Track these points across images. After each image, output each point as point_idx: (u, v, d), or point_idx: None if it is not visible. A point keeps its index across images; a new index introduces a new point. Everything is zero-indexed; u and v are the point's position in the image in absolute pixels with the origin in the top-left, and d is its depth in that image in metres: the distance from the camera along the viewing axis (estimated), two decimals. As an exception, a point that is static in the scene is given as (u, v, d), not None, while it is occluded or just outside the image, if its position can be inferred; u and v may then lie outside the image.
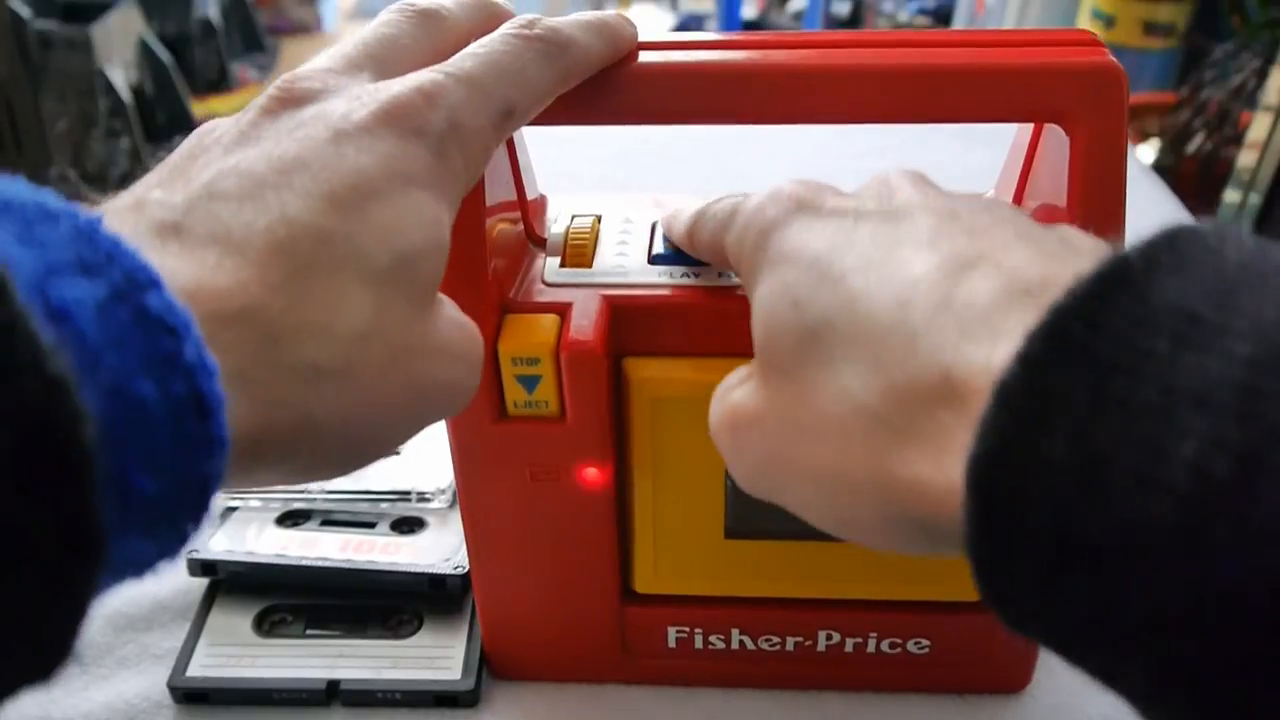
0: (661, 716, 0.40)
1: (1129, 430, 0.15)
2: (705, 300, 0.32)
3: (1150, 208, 0.75)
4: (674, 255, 0.34)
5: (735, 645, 0.39)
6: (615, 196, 0.38)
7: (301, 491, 0.46)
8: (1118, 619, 0.16)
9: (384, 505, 0.46)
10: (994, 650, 0.39)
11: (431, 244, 0.22)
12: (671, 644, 0.39)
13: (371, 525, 0.45)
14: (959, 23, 2.08)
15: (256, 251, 0.19)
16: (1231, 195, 1.35)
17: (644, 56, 0.30)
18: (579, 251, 0.34)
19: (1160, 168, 1.55)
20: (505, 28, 0.26)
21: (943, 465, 0.19)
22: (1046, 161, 0.32)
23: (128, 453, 0.15)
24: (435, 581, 0.42)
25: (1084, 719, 0.39)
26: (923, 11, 2.27)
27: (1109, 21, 1.67)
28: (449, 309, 0.24)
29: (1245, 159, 1.32)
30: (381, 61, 0.25)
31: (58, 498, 0.14)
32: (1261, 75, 1.41)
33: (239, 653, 0.41)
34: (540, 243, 0.35)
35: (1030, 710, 0.40)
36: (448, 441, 0.34)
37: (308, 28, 2.69)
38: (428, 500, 0.46)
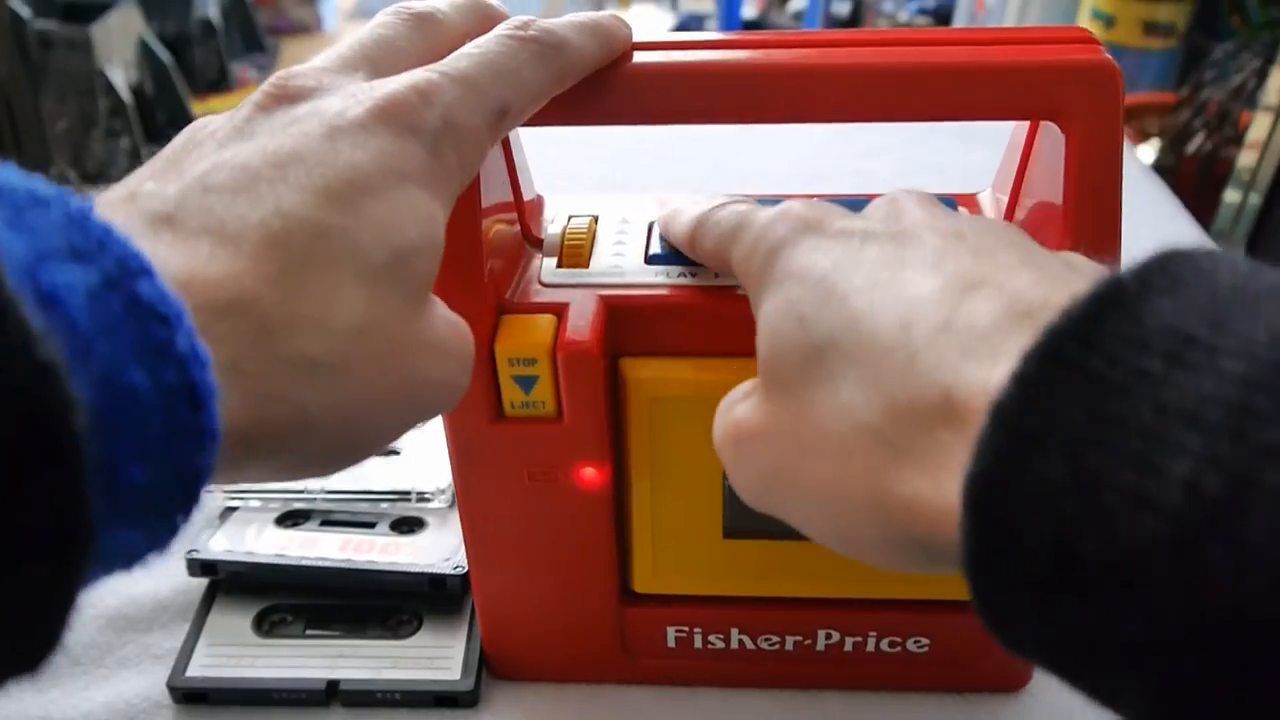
0: (661, 716, 0.40)
1: (1123, 449, 0.15)
2: (702, 300, 0.32)
3: (1150, 208, 0.75)
4: (671, 255, 0.34)
5: (734, 645, 0.39)
6: (612, 197, 0.38)
7: (301, 491, 0.46)
8: (1114, 638, 0.16)
9: (384, 505, 0.46)
10: (994, 649, 0.38)
11: (426, 241, 0.22)
12: (671, 644, 0.39)
13: (371, 525, 0.45)
14: (959, 22, 2.08)
15: (250, 244, 0.19)
16: (1231, 195, 1.35)
17: (639, 57, 0.30)
18: (576, 252, 0.34)
19: (1160, 168, 1.55)
20: (500, 29, 0.26)
21: (941, 484, 0.19)
22: (1043, 159, 0.32)
23: (118, 442, 0.15)
24: (435, 581, 0.42)
25: (1084, 719, 0.39)
26: (923, 11, 2.27)
27: (1109, 21, 1.67)
28: (441, 307, 0.24)
29: (1245, 159, 1.32)
30: (377, 62, 0.25)
31: (47, 486, 0.14)
32: (1261, 75, 1.41)
33: (239, 653, 0.41)
34: (537, 243, 0.35)
35: (1030, 709, 0.40)
36: (446, 442, 0.34)
37: (308, 28, 2.69)
38: (427, 500, 0.46)
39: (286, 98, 0.23)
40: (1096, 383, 0.16)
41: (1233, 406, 0.15)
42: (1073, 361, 0.16)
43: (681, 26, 2.59)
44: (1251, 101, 1.42)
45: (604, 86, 0.30)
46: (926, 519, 0.20)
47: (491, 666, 0.41)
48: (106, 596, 0.44)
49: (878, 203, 0.26)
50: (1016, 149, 0.34)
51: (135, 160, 1.77)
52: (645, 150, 0.78)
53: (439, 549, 0.43)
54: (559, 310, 0.32)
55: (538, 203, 0.37)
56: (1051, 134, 0.30)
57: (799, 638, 0.39)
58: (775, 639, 0.39)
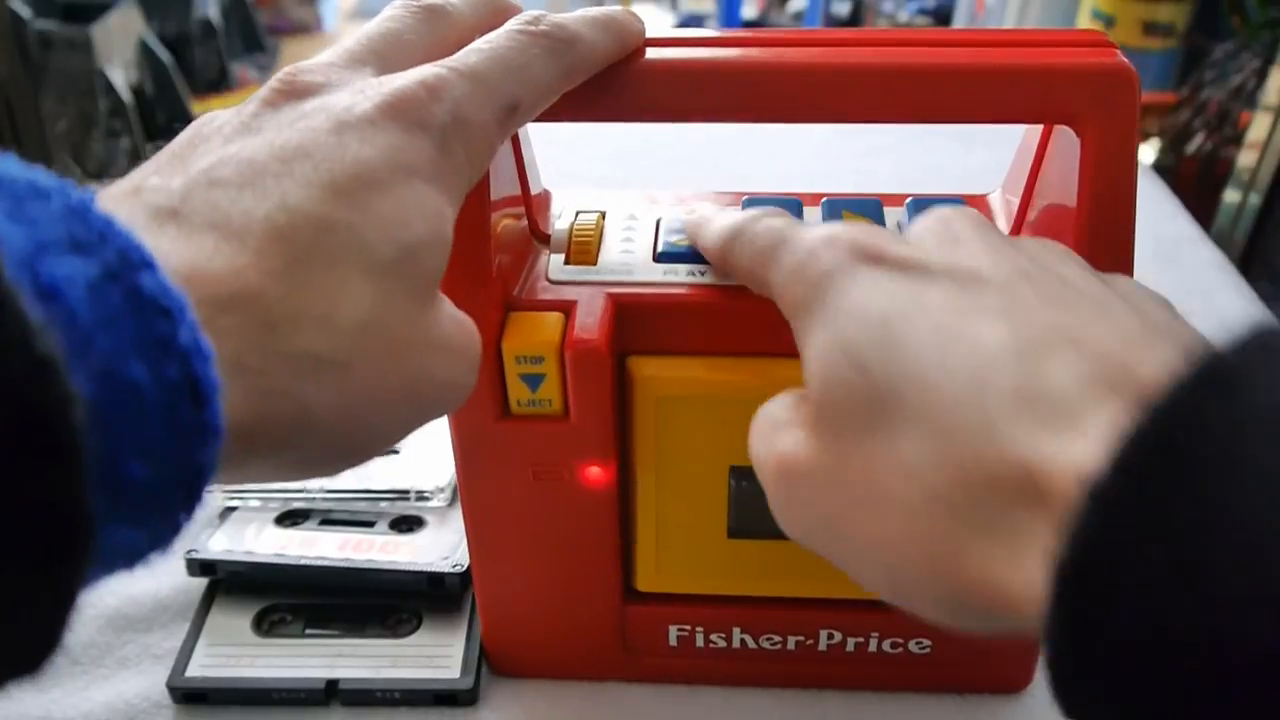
0: (662, 715, 0.40)
1: (1230, 542, 0.15)
2: (710, 299, 0.32)
3: (1150, 208, 0.75)
4: (679, 253, 0.34)
5: (737, 644, 0.39)
6: (619, 193, 0.38)
7: (301, 491, 0.46)
8: None
9: (383, 504, 0.46)
10: (994, 650, 0.39)
11: (434, 237, 0.22)
12: (673, 643, 0.39)
13: (370, 524, 0.45)
14: (959, 23, 2.08)
15: (255, 238, 0.19)
16: (1231, 195, 1.35)
17: (651, 53, 0.30)
18: (583, 248, 0.34)
19: (1160, 168, 1.54)
20: (511, 24, 0.26)
21: (1020, 565, 0.18)
22: (1056, 162, 0.32)
23: (119, 438, 0.15)
24: (434, 580, 0.42)
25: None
26: (923, 11, 2.27)
27: (1109, 21, 1.67)
28: (448, 305, 0.24)
29: (1245, 159, 1.32)
30: (385, 57, 0.25)
31: (45, 483, 0.13)
32: (1261, 75, 1.41)
33: (238, 652, 0.41)
34: (544, 239, 0.35)
35: (1030, 710, 0.40)
36: (450, 439, 0.34)
37: (308, 28, 2.69)
38: (427, 499, 0.46)
39: (294, 93, 0.22)
40: (1202, 469, 0.15)
41: None
42: (1177, 446, 0.16)
43: (681, 26, 2.59)
44: (1251, 101, 1.42)
45: (615, 83, 0.29)
46: (1002, 597, 0.19)
47: (492, 663, 0.41)
48: (106, 596, 0.44)
49: (928, 225, 0.25)
50: (1029, 151, 0.34)
51: (135, 160, 1.76)
52: (647, 149, 0.78)
53: (438, 548, 0.43)
54: (567, 308, 0.32)
55: (545, 198, 0.37)
56: (1065, 137, 0.30)
57: (801, 638, 0.39)
58: (777, 639, 0.39)
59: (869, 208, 0.34)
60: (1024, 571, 0.18)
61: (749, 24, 2.54)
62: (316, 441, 0.20)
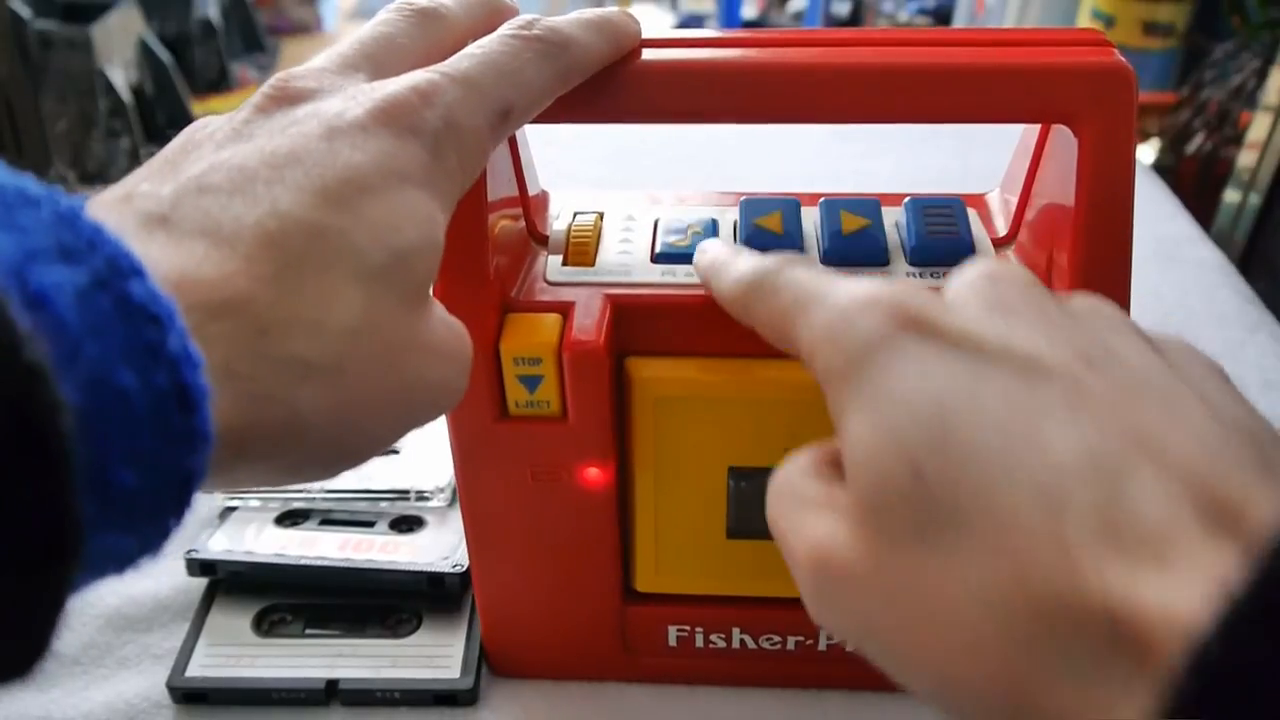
0: (661, 715, 0.40)
1: None
2: (709, 300, 0.32)
3: (1150, 208, 0.75)
4: (677, 254, 0.34)
5: (736, 644, 0.39)
6: (616, 194, 0.38)
7: (300, 491, 0.46)
8: None
9: (383, 504, 0.46)
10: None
11: (425, 242, 0.22)
12: (672, 643, 0.39)
13: (370, 524, 0.45)
14: (959, 23, 2.08)
15: (246, 244, 0.19)
16: (1231, 195, 1.35)
17: (647, 54, 0.30)
18: (581, 250, 0.34)
19: (1160, 168, 1.55)
20: (504, 28, 0.26)
21: (1108, 714, 0.17)
22: (1054, 162, 0.32)
23: (107, 445, 0.15)
24: (434, 580, 0.42)
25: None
26: (923, 11, 2.27)
27: (1109, 21, 1.67)
28: (439, 309, 0.24)
29: (1245, 159, 1.32)
30: (378, 61, 0.25)
31: (34, 490, 0.14)
32: (1261, 75, 1.41)
33: (238, 653, 0.41)
34: (542, 240, 0.35)
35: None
36: (448, 441, 0.34)
37: (308, 28, 2.69)
38: (426, 499, 0.46)
39: (286, 99, 0.23)
40: None
41: None
42: None
43: (681, 26, 2.59)
44: (1251, 101, 1.42)
45: (612, 84, 0.29)
46: None
47: (492, 664, 0.41)
48: (106, 596, 0.44)
49: (974, 286, 0.23)
50: (1027, 151, 0.34)
51: (135, 160, 1.77)
52: (645, 150, 0.78)
53: (438, 548, 0.43)
54: (564, 309, 0.32)
55: (542, 198, 0.37)
56: (1063, 136, 0.30)
57: (801, 637, 0.39)
58: (777, 639, 0.39)
59: (867, 208, 0.34)
60: None
61: (749, 24, 2.54)
62: (308, 446, 0.20)
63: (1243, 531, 0.16)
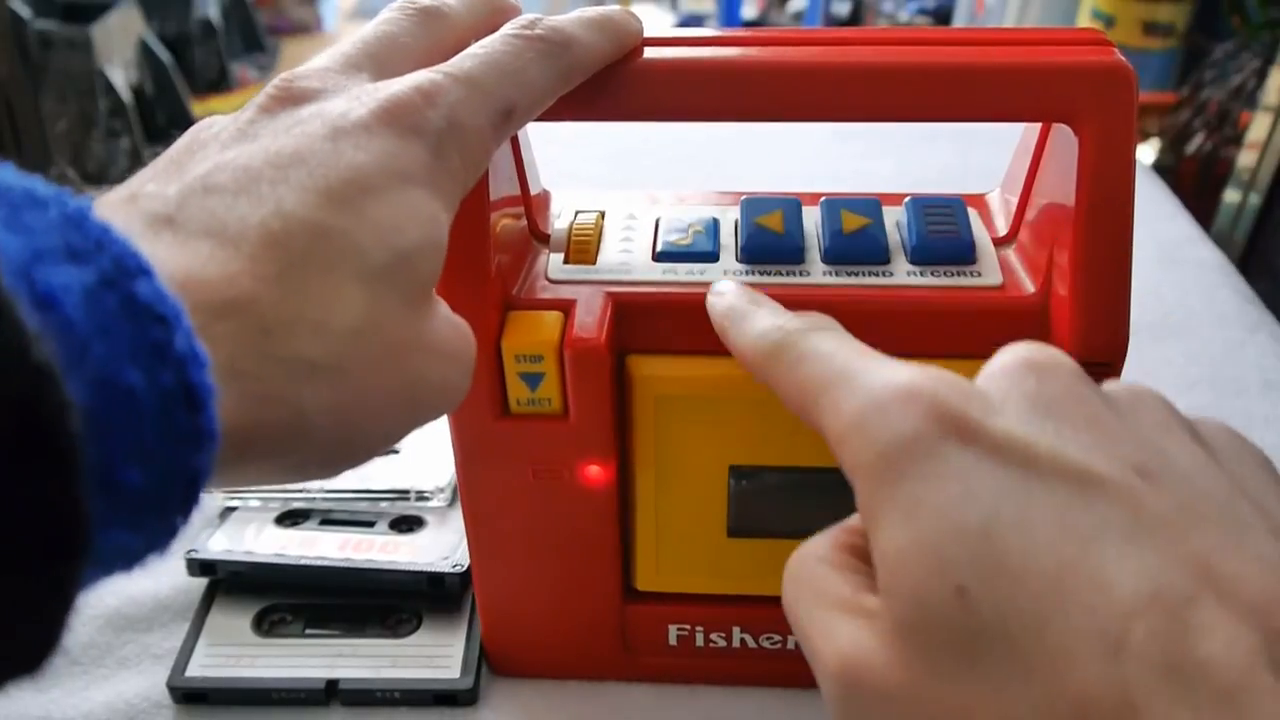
0: (662, 714, 0.40)
1: None
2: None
3: (1150, 208, 0.75)
4: (678, 252, 0.34)
5: (736, 644, 0.39)
6: (618, 193, 0.38)
7: (301, 491, 0.46)
8: None
9: (383, 504, 0.46)
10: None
11: (428, 242, 0.22)
12: (673, 642, 0.39)
13: (370, 524, 0.45)
14: (959, 22, 2.08)
15: (250, 244, 0.19)
16: (1231, 195, 1.35)
17: (649, 53, 0.30)
18: (583, 248, 0.34)
19: (1160, 168, 1.55)
20: (506, 28, 0.26)
21: None
22: (1054, 161, 0.32)
23: (115, 444, 0.15)
24: (434, 580, 0.42)
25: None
26: (923, 11, 2.27)
27: (1109, 21, 1.68)
28: (443, 308, 0.24)
29: (1245, 159, 1.32)
30: (380, 61, 0.25)
31: (42, 488, 0.14)
32: (1261, 75, 1.41)
33: (238, 652, 0.41)
34: (544, 239, 0.35)
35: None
36: (449, 439, 0.34)
37: (308, 28, 2.69)
38: (426, 499, 0.46)
39: (291, 99, 0.23)
40: None
41: None
42: None
43: (681, 26, 2.60)
44: (1251, 101, 1.42)
45: (614, 82, 0.29)
46: None
47: (492, 663, 0.41)
48: (106, 596, 0.44)
49: (1015, 372, 0.21)
50: (1027, 150, 0.34)
51: (135, 160, 1.77)
52: (647, 149, 0.78)
53: (438, 548, 0.43)
54: (566, 307, 0.32)
55: (544, 197, 0.37)
56: (1063, 136, 0.30)
57: (802, 637, 0.39)
58: (777, 638, 0.39)
59: (868, 207, 0.34)
60: None
61: (749, 24, 2.54)
62: (311, 445, 0.20)
63: None
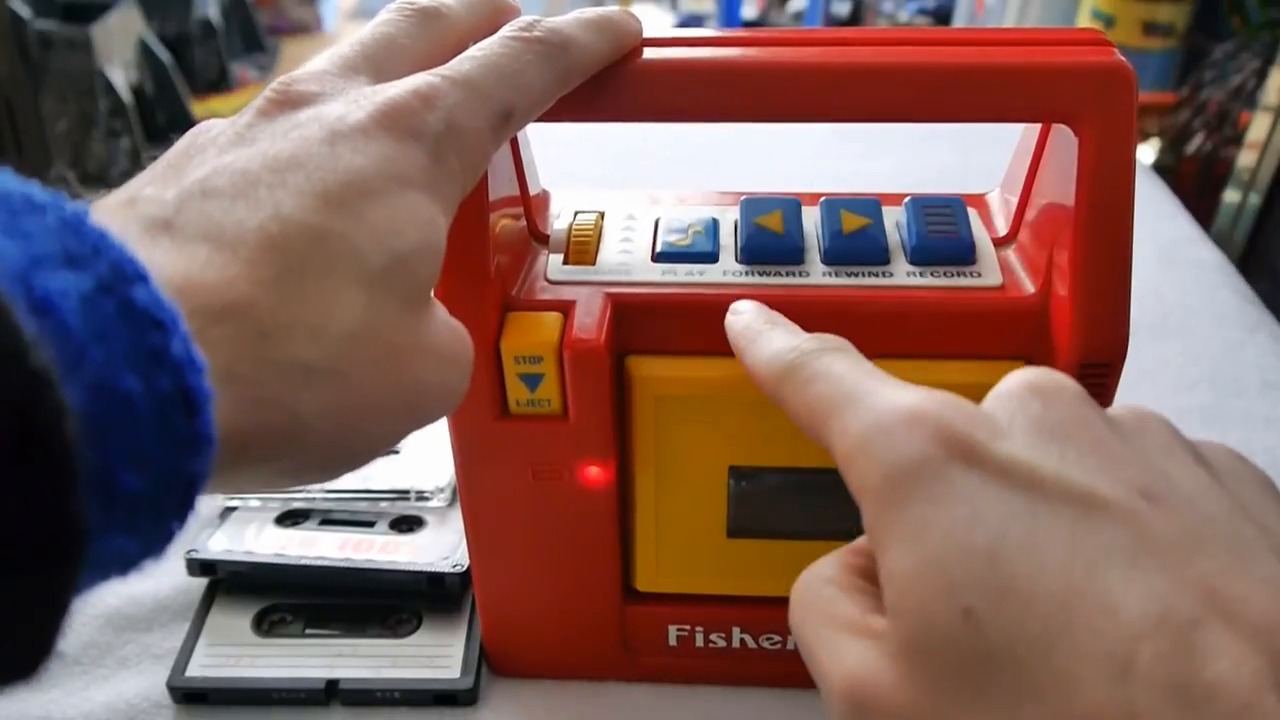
0: (662, 714, 0.40)
1: None
2: (709, 298, 0.32)
3: (1150, 208, 0.75)
4: (678, 253, 0.34)
5: (736, 644, 0.39)
6: (617, 193, 0.38)
7: (300, 491, 0.46)
8: None
9: (383, 504, 0.46)
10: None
11: (426, 245, 0.22)
12: (672, 642, 0.39)
13: (370, 524, 0.45)
14: (959, 23, 2.08)
15: (248, 248, 0.19)
16: (1231, 195, 1.35)
17: (649, 53, 0.30)
18: (582, 248, 0.34)
19: (1160, 168, 1.55)
20: (505, 30, 0.26)
21: None
22: (1054, 161, 0.32)
23: (111, 448, 0.15)
24: (434, 580, 0.42)
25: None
26: (923, 11, 2.27)
27: (1109, 21, 1.68)
28: (441, 311, 0.24)
29: (1245, 159, 1.32)
30: (378, 63, 0.25)
31: (39, 493, 0.14)
32: (1261, 75, 1.41)
33: (238, 652, 0.41)
34: (543, 239, 0.35)
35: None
36: (449, 439, 0.34)
37: (308, 28, 2.69)
38: (426, 499, 0.46)
39: (289, 103, 0.23)
40: None
41: None
42: None
43: (681, 26, 2.59)
44: (1251, 101, 1.42)
45: (613, 83, 0.29)
46: None
47: (492, 663, 0.41)
48: (106, 596, 0.44)
49: (1020, 396, 0.21)
50: (1027, 151, 0.34)
51: (135, 160, 1.77)
52: (647, 149, 0.78)
53: (438, 548, 0.43)
54: (565, 308, 0.32)
55: (543, 198, 0.37)
56: (1063, 136, 0.30)
57: (802, 637, 0.39)
58: (777, 638, 0.39)
59: (868, 207, 0.34)
60: None
61: (749, 24, 2.54)
62: (309, 450, 0.20)
63: None
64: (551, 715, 0.40)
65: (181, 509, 0.17)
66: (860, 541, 0.23)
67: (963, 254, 0.33)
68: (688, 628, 0.39)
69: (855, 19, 2.45)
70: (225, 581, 0.44)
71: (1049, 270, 0.32)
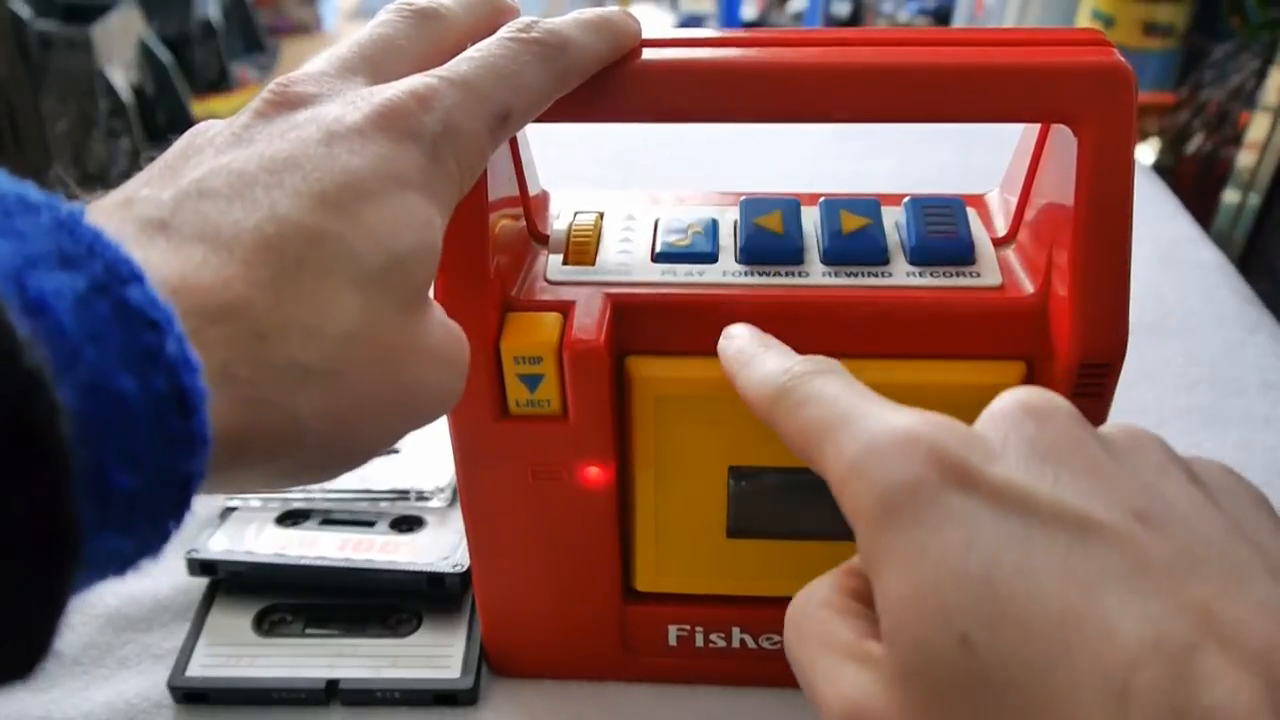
0: (662, 715, 0.40)
1: None
2: (709, 299, 0.32)
3: (1150, 208, 0.75)
4: (677, 253, 0.34)
5: (736, 644, 0.39)
6: (617, 194, 0.38)
7: (301, 491, 0.46)
8: None
9: (383, 504, 0.46)
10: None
11: (423, 246, 0.22)
12: (672, 642, 0.39)
13: (370, 524, 0.45)
14: (959, 23, 2.08)
15: (244, 249, 0.19)
16: (1231, 195, 1.35)
17: (648, 53, 0.30)
18: (582, 249, 0.34)
19: (1160, 168, 1.55)
20: (503, 31, 0.26)
21: None
22: (1054, 162, 0.32)
23: (106, 449, 0.15)
24: (434, 580, 0.42)
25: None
26: (922, 12, 2.27)
27: (1109, 21, 1.68)
28: (437, 312, 0.24)
29: (1245, 159, 1.32)
30: (376, 64, 0.25)
31: (33, 493, 0.14)
32: (1261, 75, 1.41)
33: (238, 652, 0.41)
34: (542, 240, 0.35)
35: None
36: (449, 439, 0.34)
37: (308, 28, 2.69)
38: (426, 499, 0.46)
39: (286, 104, 0.23)
40: None
41: None
42: None
43: (681, 26, 2.59)
44: (1251, 101, 1.42)
45: (612, 83, 0.29)
46: None
47: (492, 664, 0.41)
48: (106, 596, 0.44)
49: (1013, 416, 0.21)
50: (1027, 151, 0.34)
51: (135, 160, 1.77)
52: (646, 150, 0.78)
53: (438, 548, 0.43)
54: (565, 308, 0.32)
55: (543, 198, 0.37)
56: (1063, 136, 0.30)
57: (801, 637, 0.39)
58: (777, 638, 0.39)
59: (867, 207, 0.34)
60: None
61: (749, 24, 2.54)
62: (306, 450, 0.20)
63: None
64: (551, 715, 0.40)
65: (177, 509, 0.17)
66: (854, 562, 0.23)
67: (962, 254, 0.33)
68: (688, 628, 0.39)
69: (855, 19, 2.45)
70: (225, 581, 0.44)
71: (1048, 270, 0.32)
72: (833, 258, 0.33)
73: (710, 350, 0.32)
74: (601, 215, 0.36)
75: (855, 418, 0.22)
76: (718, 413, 0.33)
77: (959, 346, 0.32)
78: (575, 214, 0.36)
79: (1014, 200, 0.35)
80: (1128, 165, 0.29)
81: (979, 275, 0.33)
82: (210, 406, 0.17)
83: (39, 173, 1.70)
